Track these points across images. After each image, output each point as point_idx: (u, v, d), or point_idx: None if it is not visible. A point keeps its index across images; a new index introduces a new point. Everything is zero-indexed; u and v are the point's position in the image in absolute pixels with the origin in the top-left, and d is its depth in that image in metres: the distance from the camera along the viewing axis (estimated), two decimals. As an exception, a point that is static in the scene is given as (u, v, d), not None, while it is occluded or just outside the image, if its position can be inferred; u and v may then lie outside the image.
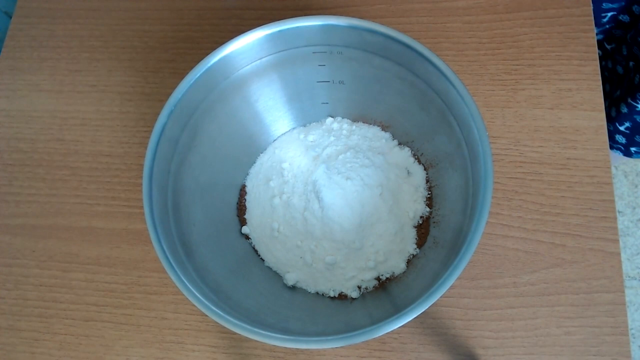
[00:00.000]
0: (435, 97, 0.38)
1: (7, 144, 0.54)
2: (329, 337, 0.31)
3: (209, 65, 0.38)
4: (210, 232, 0.42)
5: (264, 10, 0.56)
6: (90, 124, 0.54)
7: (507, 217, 0.46)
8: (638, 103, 0.59)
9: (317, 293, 0.43)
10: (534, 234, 0.45)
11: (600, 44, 0.64)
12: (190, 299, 0.33)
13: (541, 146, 0.48)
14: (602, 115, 0.48)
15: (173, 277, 0.33)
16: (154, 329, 0.46)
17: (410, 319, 0.31)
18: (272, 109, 0.46)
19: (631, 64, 0.60)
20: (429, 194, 0.44)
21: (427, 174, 0.45)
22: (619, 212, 1.14)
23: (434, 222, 0.43)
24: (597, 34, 0.62)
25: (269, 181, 0.45)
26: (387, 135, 0.47)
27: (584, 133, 0.48)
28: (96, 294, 0.48)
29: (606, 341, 0.42)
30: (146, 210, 0.35)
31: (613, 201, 0.46)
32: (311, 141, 0.47)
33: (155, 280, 0.47)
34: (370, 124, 0.47)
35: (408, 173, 0.45)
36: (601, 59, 0.65)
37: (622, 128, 0.64)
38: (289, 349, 0.44)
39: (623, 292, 0.43)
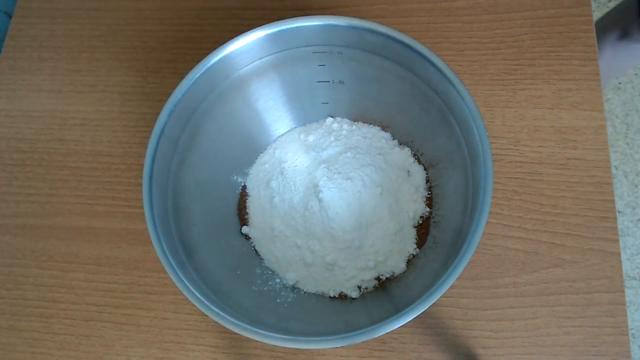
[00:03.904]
0: (435, 97, 0.38)
1: (7, 144, 0.54)
2: (329, 337, 0.31)
3: (209, 65, 0.38)
4: (210, 232, 0.42)
5: (264, 10, 0.56)
6: (90, 124, 0.54)
7: (507, 217, 0.46)
8: None
9: (317, 293, 0.43)
10: (534, 234, 0.45)
11: None
12: (190, 299, 0.33)
13: (541, 146, 0.48)
14: (602, 115, 0.48)
15: (173, 277, 0.33)
16: (154, 329, 0.46)
17: (410, 319, 0.31)
18: (272, 109, 0.46)
19: None
20: (429, 194, 0.44)
21: (427, 174, 0.45)
22: (619, 212, 1.14)
23: (434, 222, 0.43)
24: None
25: (270, 181, 0.45)
26: (387, 135, 0.47)
27: (584, 133, 0.48)
28: (96, 294, 0.48)
29: (606, 341, 0.42)
30: (146, 210, 0.35)
31: (613, 201, 0.46)
32: (311, 141, 0.47)
33: (155, 280, 0.47)
34: (370, 124, 0.47)
35: (408, 173, 0.45)
36: None
37: None
38: (289, 349, 0.44)
39: (623, 292, 0.43)
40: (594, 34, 0.51)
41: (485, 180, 0.32)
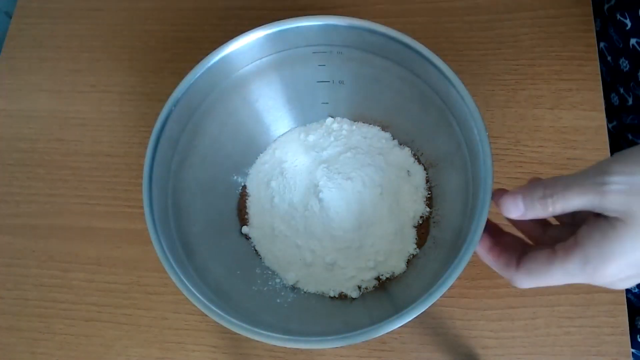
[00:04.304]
0: (435, 97, 0.38)
1: (7, 144, 0.54)
2: (329, 337, 0.31)
3: (209, 65, 0.38)
4: (210, 232, 0.42)
5: (264, 10, 0.56)
6: (90, 124, 0.54)
7: (507, 217, 0.46)
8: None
9: (317, 293, 0.43)
10: (534, 234, 0.45)
11: None
12: (191, 299, 0.33)
13: (541, 146, 0.48)
14: (602, 115, 0.48)
15: (173, 277, 0.33)
16: (154, 329, 0.46)
17: (410, 319, 0.31)
18: (272, 109, 0.46)
19: None
20: (429, 194, 0.44)
21: (427, 174, 0.45)
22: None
23: (434, 222, 0.43)
24: None
25: (270, 181, 0.45)
26: (387, 135, 0.47)
27: (584, 133, 0.48)
28: (96, 294, 0.48)
29: (606, 341, 0.42)
30: (146, 210, 0.35)
31: (613, 201, 0.45)
32: (311, 141, 0.47)
33: (155, 280, 0.47)
34: (370, 124, 0.47)
35: (408, 173, 0.45)
36: None
37: None
38: (289, 349, 0.44)
39: (623, 292, 0.43)
40: (594, 34, 0.51)
41: (485, 180, 0.32)
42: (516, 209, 0.28)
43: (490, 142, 0.33)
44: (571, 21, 0.51)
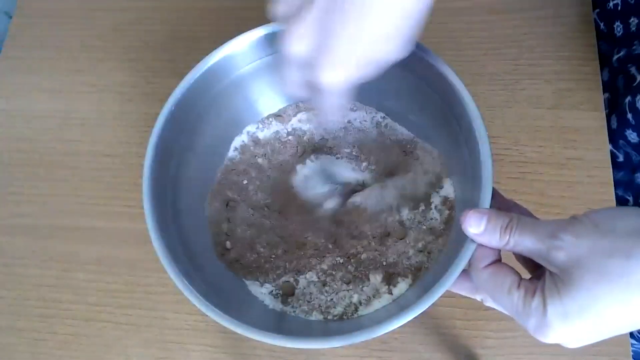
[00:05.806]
0: (435, 97, 0.38)
1: (7, 144, 0.54)
2: (329, 337, 0.31)
3: (209, 65, 0.38)
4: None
5: (264, 10, 0.56)
6: (90, 124, 0.54)
7: (507, 217, 0.46)
8: None
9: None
10: (534, 234, 0.45)
11: None
12: (190, 298, 0.33)
13: (541, 146, 0.48)
14: (602, 115, 0.48)
15: (173, 277, 0.33)
16: (154, 329, 0.46)
17: (410, 319, 0.31)
18: (273, 109, 0.46)
19: None
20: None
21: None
22: (619, 212, 1.13)
23: (434, 222, 0.43)
24: None
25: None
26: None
27: (584, 133, 0.48)
28: (96, 293, 0.48)
29: (606, 341, 0.42)
30: (146, 210, 0.35)
31: (613, 201, 0.46)
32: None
33: (155, 280, 0.47)
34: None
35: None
36: None
37: None
38: (289, 349, 0.44)
39: (623, 292, 0.43)
40: (594, 34, 0.51)
41: (485, 180, 0.32)
42: (477, 226, 0.29)
43: (490, 142, 0.33)
44: (571, 21, 0.52)
